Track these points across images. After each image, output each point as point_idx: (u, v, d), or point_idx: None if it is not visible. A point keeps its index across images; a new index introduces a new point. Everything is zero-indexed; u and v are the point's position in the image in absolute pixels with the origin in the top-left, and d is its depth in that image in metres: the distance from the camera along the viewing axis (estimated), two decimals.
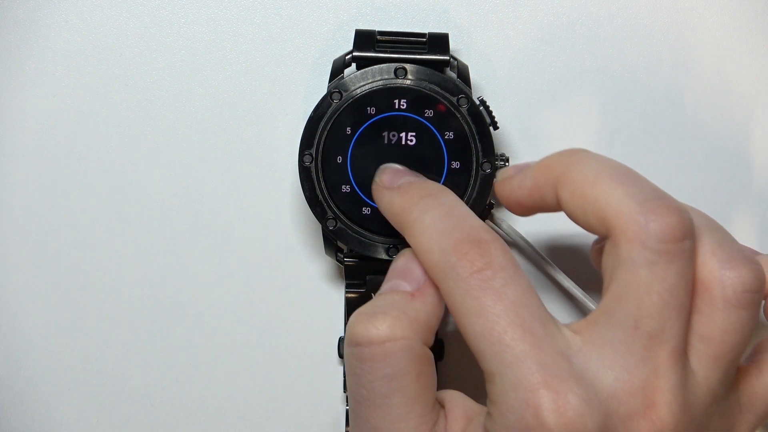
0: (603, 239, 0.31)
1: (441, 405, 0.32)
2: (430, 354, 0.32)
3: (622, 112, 0.44)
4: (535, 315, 0.29)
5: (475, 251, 0.30)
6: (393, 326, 0.30)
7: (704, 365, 0.30)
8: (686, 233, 0.29)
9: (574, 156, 0.32)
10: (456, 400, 0.32)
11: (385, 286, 0.33)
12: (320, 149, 0.39)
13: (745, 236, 0.45)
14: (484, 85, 0.44)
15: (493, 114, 0.40)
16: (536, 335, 0.29)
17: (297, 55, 0.44)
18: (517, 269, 0.30)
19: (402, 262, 0.33)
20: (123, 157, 0.44)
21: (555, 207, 0.32)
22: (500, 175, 0.35)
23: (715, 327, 0.30)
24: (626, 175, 0.30)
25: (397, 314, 0.31)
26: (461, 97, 0.39)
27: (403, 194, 0.34)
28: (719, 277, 0.30)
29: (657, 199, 0.29)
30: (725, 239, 0.31)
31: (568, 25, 0.44)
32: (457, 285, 0.30)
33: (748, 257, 0.31)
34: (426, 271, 0.32)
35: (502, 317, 0.29)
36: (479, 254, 0.30)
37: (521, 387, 0.28)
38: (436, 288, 0.32)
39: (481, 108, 0.40)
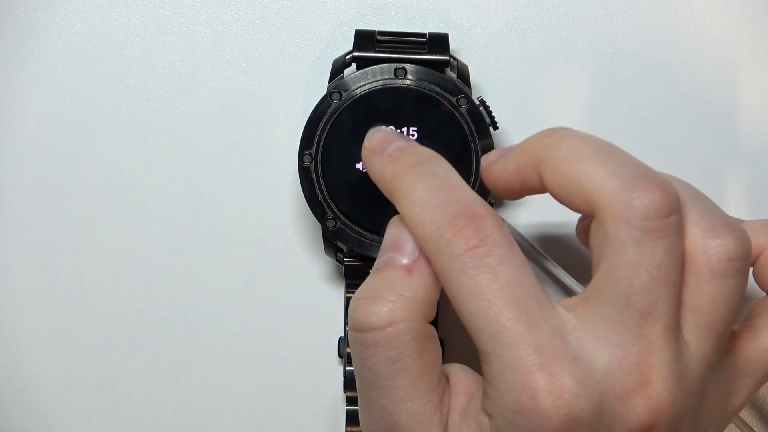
0: (587, 217, 0.31)
1: (447, 379, 0.32)
2: (432, 330, 0.31)
3: (623, 112, 0.44)
4: (530, 294, 0.29)
5: (470, 227, 0.29)
6: (393, 310, 0.30)
7: (697, 337, 0.30)
8: (672, 208, 0.29)
9: (555, 135, 0.31)
10: (459, 375, 0.32)
11: (380, 260, 0.32)
12: (320, 149, 0.39)
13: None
14: (484, 85, 0.44)
15: (493, 114, 0.40)
16: (532, 315, 0.28)
17: (297, 55, 0.44)
18: (512, 245, 0.30)
19: (394, 232, 0.32)
20: (123, 157, 0.44)
21: (540, 188, 0.32)
22: (484, 160, 0.34)
23: (704, 298, 0.30)
24: (608, 153, 0.30)
25: (396, 297, 0.30)
26: (461, 97, 0.39)
27: (394, 161, 0.33)
28: (703, 246, 0.30)
29: (640, 175, 0.29)
30: (708, 208, 0.31)
31: (569, 26, 0.44)
32: (452, 262, 0.29)
33: (731, 225, 0.30)
34: (418, 244, 0.31)
35: (498, 296, 0.28)
36: (474, 230, 0.29)
37: (518, 369, 0.28)
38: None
39: (481, 108, 0.40)
